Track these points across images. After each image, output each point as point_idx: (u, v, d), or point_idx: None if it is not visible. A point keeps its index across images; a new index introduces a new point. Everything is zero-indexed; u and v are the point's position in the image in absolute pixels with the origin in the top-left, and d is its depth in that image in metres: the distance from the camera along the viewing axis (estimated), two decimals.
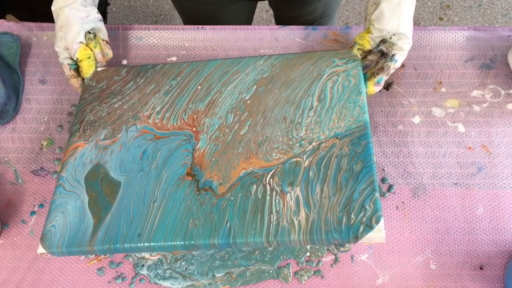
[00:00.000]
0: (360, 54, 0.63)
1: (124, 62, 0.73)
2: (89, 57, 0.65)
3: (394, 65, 0.60)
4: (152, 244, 0.52)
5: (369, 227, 0.50)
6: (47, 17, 0.87)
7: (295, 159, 0.55)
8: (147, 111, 0.62)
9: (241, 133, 0.58)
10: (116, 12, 1.64)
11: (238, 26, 0.73)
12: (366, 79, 0.62)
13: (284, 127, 0.58)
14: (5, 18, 0.78)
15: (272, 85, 0.62)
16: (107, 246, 0.53)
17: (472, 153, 0.64)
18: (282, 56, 0.64)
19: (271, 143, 0.57)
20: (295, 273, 0.61)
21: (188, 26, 0.74)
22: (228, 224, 0.52)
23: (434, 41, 0.70)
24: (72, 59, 0.65)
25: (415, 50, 0.70)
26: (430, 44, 0.70)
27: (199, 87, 0.63)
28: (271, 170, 0.55)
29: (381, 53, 0.62)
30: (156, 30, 0.74)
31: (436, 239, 0.61)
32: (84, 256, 0.63)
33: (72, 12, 0.62)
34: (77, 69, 0.66)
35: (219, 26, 0.74)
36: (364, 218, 0.50)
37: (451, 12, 1.58)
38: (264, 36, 0.73)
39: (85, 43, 0.64)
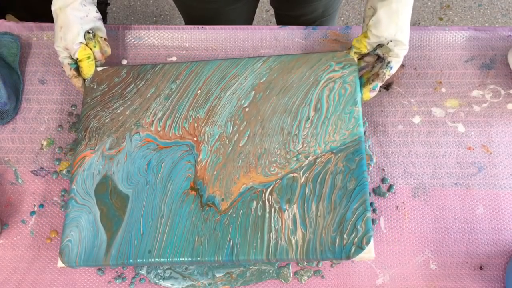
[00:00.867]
0: (357, 57, 0.63)
1: (124, 62, 0.73)
2: (88, 57, 0.65)
3: (389, 72, 0.61)
4: (162, 260, 0.56)
5: (360, 248, 0.53)
6: (47, 17, 0.87)
7: (292, 175, 0.58)
8: (149, 118, 0.63)
9: (240, 145, 0.60)
10: (116, 12, 1.64)
11: (238, 26, 0.73)
12: (361, 85, 0.63)
13: (282, 139, 0.60)
14: (5, 18, 0.78)
15: (270, 91, 0.63)
16: (121, 261, 0.56)
17: (472, 153, 0.64)
18: (280, 58, 0.65)
19: (269, 156, 0.59)
20: (295, 273, 0.61)
21: (188, 26, 0.74)
22: (231, 242, 0.56)
23: (434, 41, 0.70)
24: (72, 58, 0.65)
25: (415, 50, 0.70)
26: (430, 44, 0.70)
27: (198, 91, 0.64)
28: (270, 186, 0.58)
29: (378, 56, 0.63)
30: (156, 30, 0.74)
31: (436, 239, 0.61)
32: None
33: (72, 12, 0.62)
34: (78, 69, 0.66)
35: (219, 26, 0.74)
36: (356, 239, 0.54)
37: (451, 12, 1.58)
38: (264, 36, 0.73)
39: (85, 43, 0.64)
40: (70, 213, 0.59)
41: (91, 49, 0.65)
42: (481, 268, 0.60)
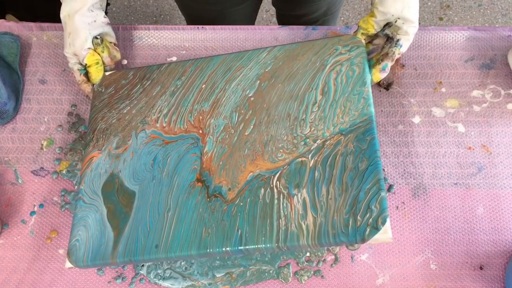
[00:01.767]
0: (365, 39, 0.61)
1: (124, 62, 0.73)
2: (97, 63, 0.66)
3: (399, 51, 0.59)
4: (169, 254, 0.54)
5: (375, 228, 0.50)
6: (47, 17, 0.87)
7: (300, 159, 0.55)
8: (154, 115, 0.63)
9: (246, 133, 0.59)
10: (116, 12, 1.64)
11: (238, 26, 0.73)
12: (371, 66, 0.60)
13: (289, 125, 0.58)
14: (5, 18, 0.78)
15: (275, 79, 0.61)
16: (128, 258, 0.55)
17: (472, 153, 0.64)
18: (285, 46, 0.63)
19: (276, 143, 0.57)
20: (295, 273, 0.61)
21: (188, 26, 0.74)
22: (239, 231, 0.53)
23: (434, 41, 0.70)
24: (81, 64, 0.66)
25: (415, 50, 0.70)
26: (430, 44, 0.70)
27: (203, 86, 0.63)
28: (277, 172, 0.55)
29: (387, 37, 0.60)
30: (156, 30, 0.74)
31: (436, 239, 0.61)
32: None
33: (79, 18, 0.63)
34: (87, 74, 0.67)
35: (219, 26, 0.74)
36: (370, 220, 0.50)
37: (451, 12, 1.58)
38: (264, 36, 0.73)
39: (93, 48, 0.65)
40: (78, 213, 0.59)
41: (99, 54, 0.66)
42: (481, 268, 0.60)
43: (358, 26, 0.61)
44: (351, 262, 0.61)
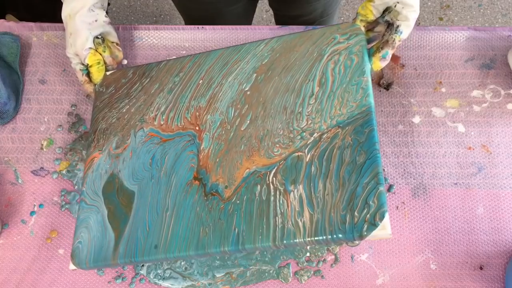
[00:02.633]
0: (364, 26, 0.60)
1: (125, 62, 0.73)
2: (98, 62, 0.66)
3: (399, 37, 0.57)
4: (168, 255, 0.54)
5: (373, 224, 0.48)
6: (47, 17, 0.87)
7: (296, 154, 0.54)
8: (152, 113, 0.63)
9: (242, 129, 0.58)
10: (116, 12, 1.64)
11: (238, 26, 0.73)
12: (371, 55, 0.59)
13: (285, 119, 0.57)
14: (5, 18, 0.78)
15: (271, 72, 0.60)
16: (128, 259, 0.55)
17: (472, 153, 0.64)
18: (282, 37, 0.62)
19: (272, 137, 0.56)
20: (295, 273, 0.61)
21: (188, 26, 0.74)
22: (236, 230, 0.53)
23: (434, 41, 0.70)
24: (83, 64, 0.66)
25: (415, 50, 0.70)
26: (430, 44, 0.70)
27: (200, 81, 0.63)
28: (274, 168, 0.54)
29: (388, 24, 0.59)
30: (156, 30, 0.74)
31: (436, 239, 0.61)
32: None
33: (80, 18, 0.63)
34: (89, 74, 0.67)
35: (219, 26, 0.74)
36: (368, 215, 0.49)
37: (451, 12, 1.58)
38: (264, 36, 0.73)
39: (94, 48, 0.65)
40: (80, 214, 0.59)
41: (100, 54, 0.66)
42: (481, 268, 0.60)
43: (357, 13, 0.60)
44: (351, 262, 0.61)
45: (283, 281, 0.61)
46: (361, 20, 0.59)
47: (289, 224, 0.51)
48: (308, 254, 0.61)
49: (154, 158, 0.60)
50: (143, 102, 0.64)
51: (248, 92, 0.60)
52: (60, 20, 0.67)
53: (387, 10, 0.58)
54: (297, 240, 0.50)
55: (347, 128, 0.54)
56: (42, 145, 0.69)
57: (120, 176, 0.60)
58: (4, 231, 0.65)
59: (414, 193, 0.63)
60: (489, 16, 1.57)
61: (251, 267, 0.61)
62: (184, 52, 0.73)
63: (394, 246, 0.61)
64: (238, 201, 0.54)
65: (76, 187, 0.66)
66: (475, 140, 0.65)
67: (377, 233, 0.48)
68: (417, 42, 0.70)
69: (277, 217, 0.52)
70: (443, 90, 0.68)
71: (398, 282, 0.59)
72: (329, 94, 0.56)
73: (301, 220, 0.51)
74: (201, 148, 0.58)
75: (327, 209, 0.50)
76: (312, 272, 0.61)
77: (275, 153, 0.55)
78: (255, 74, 0.61)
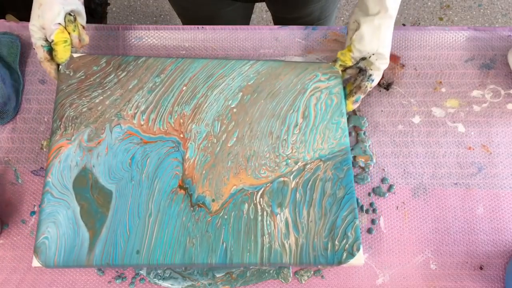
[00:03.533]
0: (341, 69, 0.66)
1: None
2: (65, 41, 0.61)
3: (371, 85, 0.63)
4: (152, 262, 0.55)
5: (351, 254, 0.56)
6: None
7: (282, 179, 0.59)
8: (130, 110, 0.62)
9: (229, 145, 0.61)
10: (116, 12, 1.64)
11: (238, 26, 0.73)
12: (345, 96, 0.65)
13: (271, 143, 0.61)
14: (5, 18, 0.77)
15: (257, 94, 0.63)
16: (106, 262, 0.54)
17: (472, 153, 0.64)
18: (267, 63, 0.66)
19: (259, 159, 0.60)
20: (295, 273, 0.61)
21: (188, 26, 0.74)
22: (224, 244, 0.56)
23: (434, 41, 0.70)
24: (46, 40, 0.62)
25: (415, 50, 0.70)
26: (430, 44, 0.70)
27: (184, 88, 0.63)
28: (261, 189, 0.58)
29: (359, 69, 0.64)
30: (156, 30, 0.74)
31: (436, 239, 0.61)
32: None
33: None
34: (51, 52, 0.63)
35: (219, 26, 0.74)
36: (347, 245, 0.56)
37: (451, 12, 1.58)
38: (264, 36, 0.73)
39: (64, 25, 0.61)
40: (46, 208, 0.57)
41: (69, 33, 0.62)
42: (481, 268, 0.60)
43: (337, 58, 0.65)
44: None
45: (283, 281, 0.61)
46: (340, 65, 0.65)
47: (276, 245, 0.56)
48: None
49: (134, 158, 0.59)
50: (119, 97, 0.63)
51: (235, 110, 0.62)
52: None
53: (362, 58, 0.64)
54: (284, 261, 0.55)
55: (328, 162, 0.60)
56: (42, 145, 0.69)
57: (95, 172, 0.59)
58: (4, 231, 0.65)
59: (414, 193, 0.63)
60: (489, 16, 1.57)
61: (251, 267, 0.61)
62: (184, 52, 0.73)
63: (394, 246, 0.61)
64: (226, 216, 0.57)
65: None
66: (475, 140, 0.65)
67: (352, 261, 0.56)
68: (417, 42, 0.70)
69: (264, 237, 0.56)
70: (443, 90, 0.68)
71: (398, 282, 0.59)
72: (311, 128, 0.62)
73: (287, 242, 0.56)
74: (186, 157, 0.60)
75: (311, 235, 0.56)
76: (312, 272, 0.61)
77: (262, 175, 0.59)
78: (241, 93, 0.64)
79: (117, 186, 0.58)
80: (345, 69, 0.66)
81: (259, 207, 0.57)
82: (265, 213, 0.57)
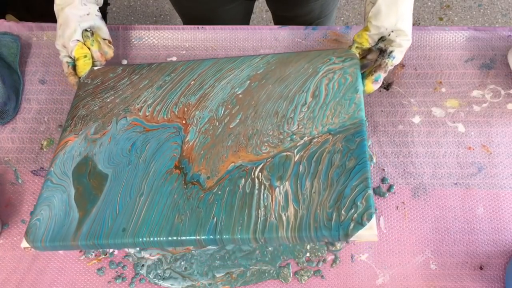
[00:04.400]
0: (359, 53, 0.62)
1: (124, 62, 0.73)
2: (85, 56, 0.65)
3: (392, 62, 0.59)
4: (136, 239, 0.51)
5: (360, 224, 0.48)
6: (47, 17, 0.87)
7: (285, 153, 0.54)
8: (138, 104, 0.62)
9: (231, 126, 0.58)
10: (116, 12, 1.64)
11: (238, 26, 0.73)
12: (364, 78, 0.60)
13: (276, 121, 0.57)
14: (5, 18, 0.78)
15: (266, 81, 0.61)
16: (91, 241, 0.52)
17: (472, 153, 0.64)
18: (278, 54, 0.64)
19: (261, 137, 0.56)
20: (295, 273, 0.61)
21: (188, 26, 0.74)
22: (215, 219, 0.51)
23: (434, 41, 0.70)
24: (70, 57, 0.66)
25: (415, 50, 0.70)
26: (430, 44, 0.70)
27: (192, 82, 0.63)
28: (260, 164, 0.54)
29: (380, 51, 0.61)
30: (156, 30, 0.74)
31: (436, 239, 0.61)
32: (84, 256, 0.63)
33: (71, 11, 0.63)
34: (75, 67, 0.67)
35: (219, 26, 0.74)
36: (355, 215, 0.48)
37: (451, 12, 1.58)
38: (264, 36, 0.73)
39: (82, 41, 0.65)
40: (43, 193, 0.57)
41: (88, 47, 0.66)
42: (481, 268, 0.60)
43: (353, 40, 0.62)
44: (351, 262, 0.61)
45: (283, 281, 0.61)
46: (357, 47, 0.61)
47: (272, 217, 0.50)
48: (308, 254, 0.61)
49: (135, 145, 0.59)
50: (129, 94, 0.64)
51: (240, 95, 0.60)
52: None
53: (381, 39, 0.59)
54: (279, 234, 0.49)
55: (338, 135, 0.54)
56: (42, 145, 0.69)
57: (95, 159, 0.58)
58: (4, 231, 0.65)
59: (414, 193, 0.63)
60: (489, 16, 1.57)
61: (251, 267, 0.61)
62: (184, 52, 0.73)
63: (394, 246, 0.61)
64: (219, 192, 0.52)
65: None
66: (475, 140, 0.65)
67: (363, 233, 0.48)
68: (417, 42, 0.70)
69: (259, 210, 0.50)
70: (443, 90, 0.68)
71: (398, 282, 0.59)
72: (321, 105, 0.57)
73: (285, 215, 0.50)
74: (186, 140, 0.58)
75: (313, 206, 0.50)
76: (312, 272, 0.61)
77: (263, 151, 0.55)
78: (249, 81, 0.61)
79: (114, 170, 0.57)
80: (364, 54, 0.62)
81: (256, 181, 0.52)
82: (262, 186, 0.52)
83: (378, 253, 0.61)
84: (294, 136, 0.55)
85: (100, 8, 0.68)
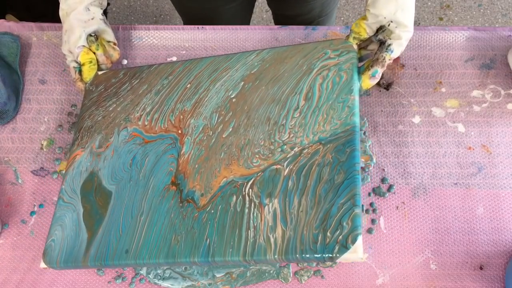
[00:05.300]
0: (358, 44, 0.59)
1: (124, 62, 0.73)
2: (90, 61, 0.66)
3: (390, 56, 0.56)
4: (138, 261, 0.53)
5: (344, 247, 0.46)
6: (47, 17, 0.87)
7: (275, 167, 0.53)
8: (137, 113, 0.63)
9: (224, 136, 0.57)
10: (116, 12, 1.64)
11: (238, 26, 0.73)
12: (361, 73, 0.57)
13: (267, 129, 0.56)
14: (5, 18, 0.78)
15: (259, 81, 0.60)
16: (99, 262, 0.54)
17: (472, 153, 0.64)
18: (274, 49, 0.62)
19: (253, 147, 0.55)
20: (295, 273, 0.61)
21: (188, 26, 0.74)
22: (208, 240, 0.51)
23: (434, 41, 0.70)
24: (77, 62, 0.66)
25: (415, 50, 0.70)
26: (430, 44, 0.70)
27: (188, 85, 0.63)
28: (251, 179, 0.54)
29: (380, 42, 0.57)
30: (156, 30, 0.74)
31: (436, 239, 0.61)
32: None
33: (76, 16, 0.63)
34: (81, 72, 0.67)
35: (219, 26, 0.74)
36: (340, 237, 0.47)
37: (451, 12, 1.58)
38: (264, 36, 0.73)
39: (87, 46, 0.65)
40: (56, 212, 0.59)
41: (94, 52, 0.66)
42: (481, 268, 0.60)
43: (350, 30, 0.59)
44: (351, 262, 0.61)
45: (283, 281, 0.61)
46: (354, 38, 0.58)
47: (261, 239, 0.50)
48: None
49: (135, 159, 0.59)
50: (130, 102, 0.64)
51: (234, 99, 0.60)
52: (60, 20, 0.67)
53: (380, 29, 0.56)
54: (268, 257, 0.49)
55: (328, 145, 0.52)
56: (42, 145, 0.69)
57: (100, 175, 0.59)
58: (4, 231, 0.65)
59: (414, 193, 0.63)
60: (489, 16, 1.57)
61: (251, 267, 0.61)
62: (184, 52, 0.73)
63: (394, 246, 0.61)
64: (212, 211, 0.53)
65: None
66: (475, 140, 0.65)
67: (348, 256, 0.46)
68: (417, 42, 0.70)
69: (249, 231, 0.51)
70: (443, 90, 0.68)
71: (398, 282, 0.59)
72: (314, 109, 0.55)
73: (273, 236, 0.50)
74: (182, 152, 0.58)
75: (300, 227, 0.49)
76: (312, 272, 0.61)
77: (254, 164, 0.54)
78: (242, 82, 0.61)
79: (117, 187, 0.58)
80: (365, 45, 0.59)
81: (247, 198, 0.52)
82: (252, 204, 0.52)
83: (378, 253, 0.61)
84: (285, 147, 0.54)
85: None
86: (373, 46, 0.59)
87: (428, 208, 0.62)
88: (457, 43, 0.70)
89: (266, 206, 0.51)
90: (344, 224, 0.47)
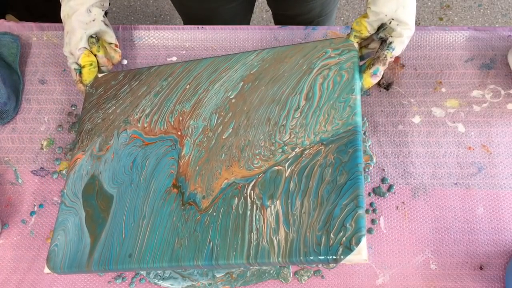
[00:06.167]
0: (358, 42, 0.58)
1: (125, 62, 0.73)
2: (91, 64, 0.65)
3: (391, 54, 0.56)
4: (142, 265, 0.52)
5: (348, 248, 0.46)
6: (47, 17, 0.87)
7: (276, 168, 0.53)
8: (137, 114, 0.63)
9: (224, 137, 0.57)
10: (116, 12, 1.64)
11: (238, 26, 0.73)
12: (362, 71, 0.57)
13: (268, 130, 0.55)
14: (5, 18, 0.78)
15: (259, 82, 0.59)
16: (102, 267, 0.54)
17: (472, 153, 0.64)
18: (274, 49, 0.61)
19: (253, 149, 0.55)
20: (295, 273, 0.61)
21: (188, 26, 0.74)
22: (211, 244, 0.51)
23: (434, 41, 0.70)
24: (78, 64, 0.66)
25: (415, 50, 0.70)
26: (430, 44, 0.70)
27: (187, 86, 0.62)
28: (252, 180, 0.53)
29: (382, 41, 0.57)
30: (156, 30, 0.74)
31: (436, 239, 0.61)
32: None
33: (77, 18, 0.63)
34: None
35: (219, 26, 0.74)
36: (344, 238, 0.46)
37: (451, 12, 1.58)
38: (264, 36, 0.73)
39: (89, 48, 0.65)
40: (59, 216, 0.58)
41: (95, 54, 0.66)
42: (481, 268, 0.60)
43: (351, 28, 0.58)
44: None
45: (283, 281, 0.61)
46: (355, 36, 0.58)
47: (264, 242, 0.49)
48: None
49: (135, 161, 0.59)
50: (129, 104, 0.64)
51: (233, 100, 0.59)
52: (60, 20, 0.67)
53: (382, 27, 0.56)
54: (271, 260, 0.48)
55: (330, 146, 0.52)
56: (42, 145, 0.69)
57: (101, 178, 0.59)
58: (4, 231, 0.65)
59: (414, 193, 0.63)
60: (489, 16, 1.57)
61: (251, 267, 0.61)
62: (184, 52, 0.73)
63: (394, 246, 0.61)
64: (214, 213, 0.52)
65: None
66: (475, 140, 0.65)
67: (351, 257, 0.46)
68: (417, 42, 0.70)
69: (252, 233, 0.50)
70: (443, 90, 0.68)
71: (398, 282, 0.59)
72: (315, 109, 0.54)
73: (276, 238, 0.49)
74: (182, 154, 0.57)
75: (303, 229, 0.49)
76: (312, 272, 0.61)
77: (255, 165, 0.54)
78: (242, 83, 0.60)
79: (118, 191, 0.58)
80: (366, 43, 0.59)
81: (249, 200, 0.52)
82: (254, 206, 0.51)
83: (378, 253, 0.61)
84: (286, 148, 0.53)
85: None
86: (374, 45, 0.59)
87: (428, 208, 0.62)
88: (457, 43, 0.70)
89: (268, 208, 0.51)
90: (348, 225, 0.47)
